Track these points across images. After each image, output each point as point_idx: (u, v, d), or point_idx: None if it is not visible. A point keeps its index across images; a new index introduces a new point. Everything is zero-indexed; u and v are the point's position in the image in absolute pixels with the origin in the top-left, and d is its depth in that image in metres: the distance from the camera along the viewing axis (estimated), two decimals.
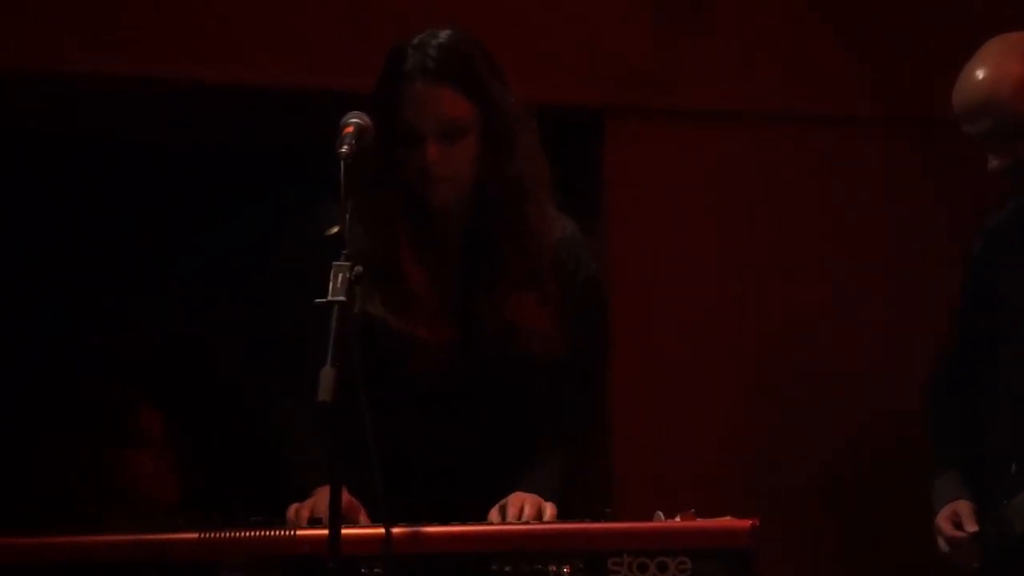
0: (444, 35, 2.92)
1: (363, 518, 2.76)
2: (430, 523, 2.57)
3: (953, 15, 4.43)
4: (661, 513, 2.58)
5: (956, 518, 3.54)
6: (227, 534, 2.54)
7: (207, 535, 2.54)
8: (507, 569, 2.50)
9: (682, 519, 2.55)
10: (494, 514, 2.79)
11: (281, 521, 2.72)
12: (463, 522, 2.60)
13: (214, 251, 5.09)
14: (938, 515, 3.57)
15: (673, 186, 4.35)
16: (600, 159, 4.34)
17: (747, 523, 2.53)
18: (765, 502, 3.79)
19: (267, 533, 2.55)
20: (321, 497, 2.74)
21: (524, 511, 2.76)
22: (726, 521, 2.55)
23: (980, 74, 3.46)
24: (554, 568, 2.49)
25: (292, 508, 2.78)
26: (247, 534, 2.54)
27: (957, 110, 3.52)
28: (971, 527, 3.51)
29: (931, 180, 4.33)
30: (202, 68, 4.00)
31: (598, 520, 2.60)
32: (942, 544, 3.56)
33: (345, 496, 2.61)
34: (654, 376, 4.26)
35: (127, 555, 2.55)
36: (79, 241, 5.08)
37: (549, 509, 2.78)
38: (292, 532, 2.57)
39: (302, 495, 2.81)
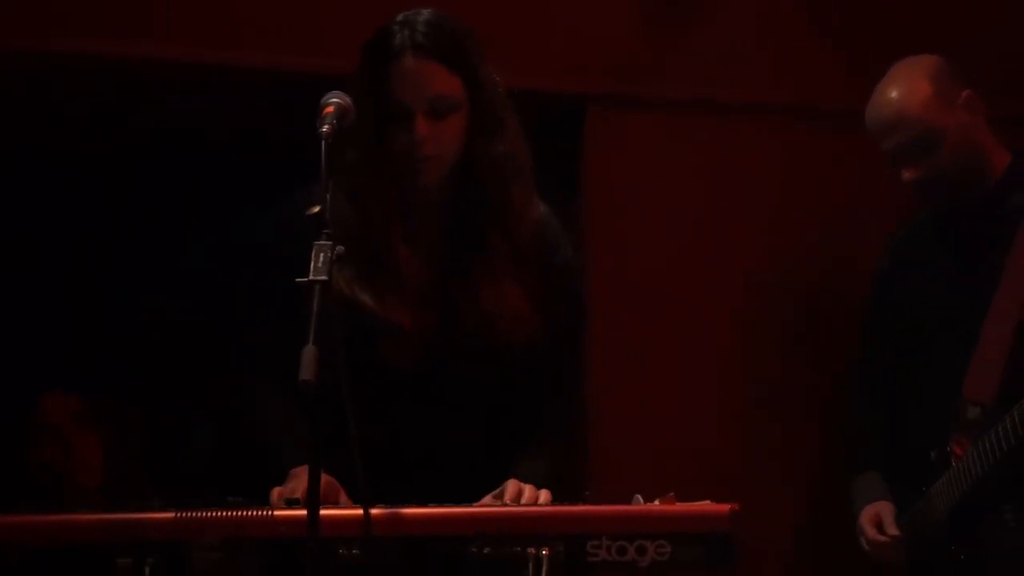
0: (428, 12, 2.92)
1: (344, 499, 2.74)
2: (409, 505, 2.55)
3: (940, 10, 4.44)
4: (640, 496, 2.58)
5: (878, 520, 3.70)
6: (204, 514, 2.52)
7: (183, 515, 2.52)
8: (486, 551, 2.49)
9: (661, 503, 2.55)
10: (489, 500, 2.77)
11: (259, 503, 2.71)
12: (441, 504, 2.59)
13: (198, 238, 5.08)
14: (860, 515, 3.74)
15: (653, 175, 4.35)
16: (580, 147, 4.33)
17: (727, 507, 2.53)
18: (745, 487, 3.78)
19: (244, 514, 2.52)
20: (301, 478, 2.72)
21: (523, 496, 2.75)
22: (706, 505, 2.54)
23: (892, 93, 3.64)
24: (533, 551, 2.48)
25: (275, 491, 2.77)
26: (224, 515, 2.52)
27: (871, 128, 3.70)
28: (892, 531, 3.67)
29: None
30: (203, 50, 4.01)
31: (576, 503, 2.60)
32: (864, 544, 3.73)
33: (324, 477, 2.61)
34: (632, 361, 4.25)
35: (100, 535, 2.53)
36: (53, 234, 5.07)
37: (544, 495, 2.77)
38: (270, 513, 2.54)
39: (283, 478, 2.80)
